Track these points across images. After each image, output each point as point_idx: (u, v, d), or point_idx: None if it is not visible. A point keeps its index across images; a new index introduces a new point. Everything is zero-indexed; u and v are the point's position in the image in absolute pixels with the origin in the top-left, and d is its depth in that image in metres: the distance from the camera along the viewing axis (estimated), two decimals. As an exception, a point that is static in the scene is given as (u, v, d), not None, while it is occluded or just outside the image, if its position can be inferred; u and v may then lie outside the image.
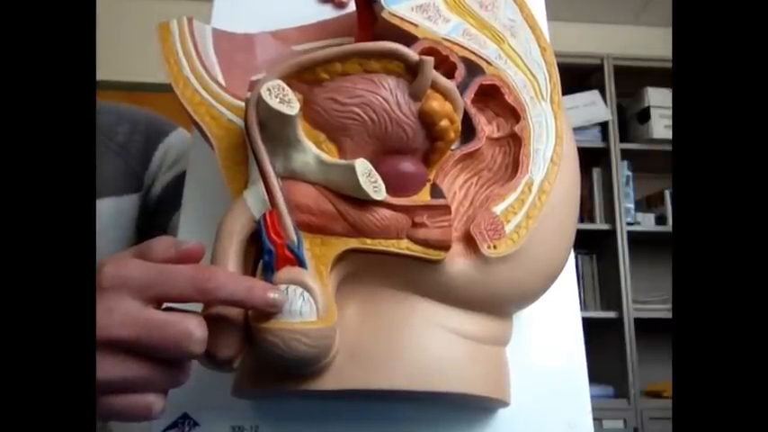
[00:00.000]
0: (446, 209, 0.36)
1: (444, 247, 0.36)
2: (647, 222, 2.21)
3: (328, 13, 0.53)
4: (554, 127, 0.41)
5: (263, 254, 0.35)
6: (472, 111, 0.40)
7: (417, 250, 0.36)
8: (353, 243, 0.36)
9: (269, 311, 0.33)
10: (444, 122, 0.36)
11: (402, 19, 0.41)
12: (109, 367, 0.30)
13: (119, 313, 0.30)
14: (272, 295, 0.32)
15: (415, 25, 0.41)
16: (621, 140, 2.22)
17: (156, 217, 0.63)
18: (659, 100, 2.24)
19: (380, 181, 0.35)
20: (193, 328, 0.30)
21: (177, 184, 0.56)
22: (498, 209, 0.38)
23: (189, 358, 0.32)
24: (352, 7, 0.50)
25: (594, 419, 0.44)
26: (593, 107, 2.19)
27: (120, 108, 0.67)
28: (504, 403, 0.41)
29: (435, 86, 0.36)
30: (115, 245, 0.60)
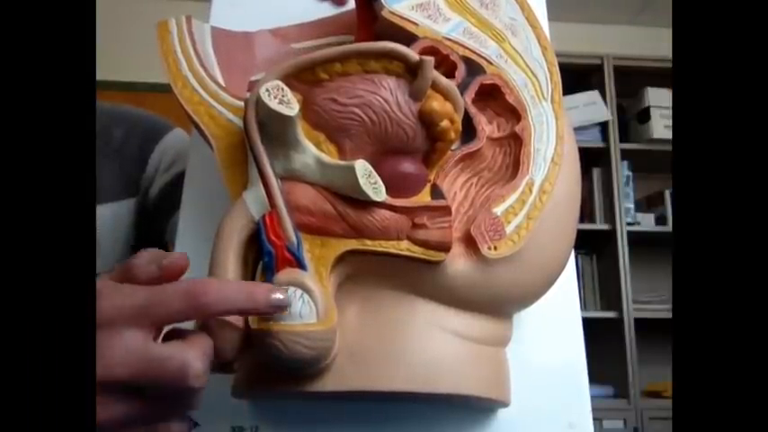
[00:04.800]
0: (446, 210, 0.36)
1: (445, 248, 0.36)
2: (647, 222, 2.21)
3: (327, 10, 0.53)
4: (555, 127, 0.41)
5: (262, 255, 0.35)
6: (473, 111, 0.40)
7: (417, 251, 0.36)
8: (353, 244, 0.35)
9: (269, 313, 0.32)
10: (445, 123, 0.36)
11: (402, 18, 0.41)
12: (114, 408, 0.29)
13: (119, 350, 0.29)
14: (276, 296, 0.32)
15: (416, 24, 0.41)
16: (621, 140, 2.22)
17: (154, 220, 0.63)
18: (659, 100, 2.24)
19: (380, 182, 0.35)
20: (191, 362, 0.29)
21: (175, 186, 0.56)
22: (499, 209, 0.38)
23: (189, 392, 0.31)
24: (351, 5, 0.50)
25: (594, 419, 0.44)
26: (593, 107, 2.19)
27: (115, 109, 0.66)
28: (505, 404, 0.41)
29: (436, 87, 0.36)
30: (114, 251, 0.60)
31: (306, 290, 0.33)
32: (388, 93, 0.36)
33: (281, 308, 0.32)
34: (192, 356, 0.30)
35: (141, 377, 0.29)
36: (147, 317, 0.30)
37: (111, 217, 0.60)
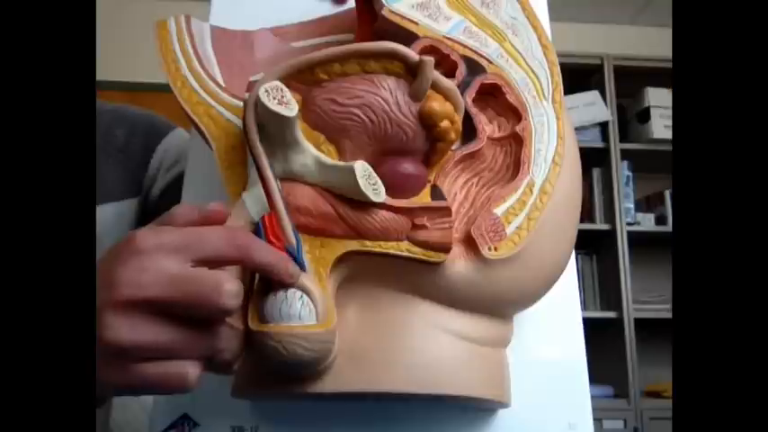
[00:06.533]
0: (446, 210, 0.36)
1: (445, 248, 0.36)
2: (647, 222, 2.21)
3: (327, 10, 0.53)
4: (556, 127, 0.41)
5: (262, 255, 0.35)
6: (473, 111, 0.40)
7: (417, 252, 0.36)
8: (353, 245, 0.35)
9: (288, 282, 0.33)
10: (445, 123, 0.36)
11: (402, 17, 0.41)
12: (142, 330, 0.29)
13: (153, 272, 0.29)
14: (293, 269, 0.33)
15: (416, 23, 0.41)
16: (621, 140, 2.22)
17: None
18: (659, 100, 2.24)
19: (380, 183, 0.35)
20: (225, 281, 0.30)
21: (177, 186, 0.56)
22: (499, 210, 0.38)
23: (222, 313, 0.30)
24: (351, 4, 0.50)
25: (594, 419, 0.44)
26: (593, 107, 2.19)
27: (117, 109, 0.66)
28: (505, 404, 0.40)
29: (436, 87, 0.36)
30: None
31: (305, 291, 0.33)
32: (388, 93, 0.35)
33: (294, 278, 0.33)
34: (226, 277, 0.30)
35: (174, 296, 0.29)
36: (188, 252, 0.30)
37: (114, 216, 0.60)
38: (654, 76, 2.25)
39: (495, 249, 0.37)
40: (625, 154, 2.21)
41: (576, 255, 0.47)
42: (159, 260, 0.30)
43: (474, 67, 0.41)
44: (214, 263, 0.31)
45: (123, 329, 0.29)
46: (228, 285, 0.30)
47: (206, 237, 0.31)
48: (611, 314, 2.09)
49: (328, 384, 0.36)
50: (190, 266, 0.30)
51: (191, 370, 0.30)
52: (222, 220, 0.33)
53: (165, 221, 0.33)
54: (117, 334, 0.29)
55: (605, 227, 2.16)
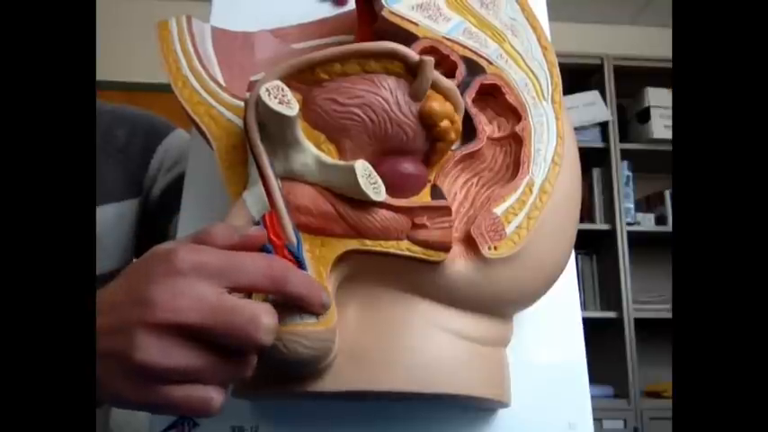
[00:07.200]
0: (447, 210, 0.36)
1: (445, 248, 0.36)
2: (647, 222, 2.21)
3: (328, 11, 0.53)
4: (555, 127, 0.41)
5: (262, 255, 0.35)
6: (473, 111, 0.40)
7: (417, 251, 0.36)
8: (353, 244, 0.35)
9: (319, 312, 0.33)
10: (445, 123, 0.36)
11: (402, 18, 0.41)
12: (174, 354, 0.29)
13: (191, 297, 0.29)
14: (326, 298, 0.33)
15: (416, 24, 0.41)
16: (621, 140, 2.22)
17: (156, 220, 0.63)
18: (659, 100, 2.24)
19: (380, 182, 0.35)
20: (263, 315, 0.29)
21: (177, 187, 0.56)
22: (499, 210, 0.38)
23: (256, 348, 0.30)
24: (352, 5, 0.50)
25: (594, 419, 0.44)
26: (593, 107, 2.19)
27: (117, 110, 0.66)
28: (505, 404, 0.41)
29: (436, 87, 0.36)
30: (117, 251, 0.60)
31: (306, 290, 0.33)
32: (388, 93, 0.36)
33: (325, 308, 0.33)
34: (264, 310, 0.30)
35: (212, 324, 0.29)
36: (226, 278, 0.30)
37: (115, 217, 0.60)
38: (654, 76, 2.25)
39: (495, 249, 0.37)
40: (625, 154, 2.21)
41: (576, 255, 0.47)
42: (196, 285, 0.29)
43: (474, 68, 0.41)
44: (249, 290, 0.31)
45: (155, 352, 0.28)
46: (266, 320, 0.30)
47: (245, 265, 0.30)
48: (611, 314, 2.09)
49: (328, 384, 0.36)
50: (225, 292, 0.30)
51: (215, 395, 0.30)
52: (261, 245, 0.33)
53: (201, 240, 0.32)
54: (149, 356, 0.28)
55: (605, 227, 2.16)
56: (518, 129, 0.40)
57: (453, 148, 0.39)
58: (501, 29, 0.43)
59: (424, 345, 0.37)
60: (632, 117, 2.33)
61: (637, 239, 2.15)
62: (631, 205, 2.22)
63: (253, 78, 0.42)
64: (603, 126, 2.21)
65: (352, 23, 0.48)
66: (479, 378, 0.38)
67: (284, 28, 0.49)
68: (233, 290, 0.30)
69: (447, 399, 0.39)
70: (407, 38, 0.40)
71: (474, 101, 0.41)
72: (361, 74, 0.36)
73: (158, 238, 0.62)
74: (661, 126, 2.22)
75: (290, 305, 0.32)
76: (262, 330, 0.29)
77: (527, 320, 0.44)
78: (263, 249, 0.35)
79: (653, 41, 2.48)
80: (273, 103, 0.34)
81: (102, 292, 0.31)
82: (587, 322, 0.46)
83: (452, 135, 0.37)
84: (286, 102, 0.34)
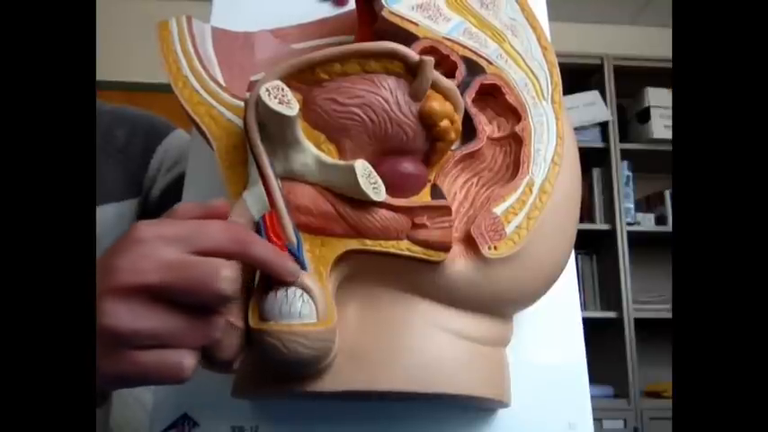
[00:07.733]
0: (446, 210, 0.36)
1: (445, 248, 0.36)
2: (646, 222, 2.21)
3: (328, 11, 0.53)
4: (555, 127, 0.41)
5: (262, 255, 0.35)
6: (473, 111, 0.40)
7: (417, 251, 0.36)
8: (353, 244, 0.35)
9: (287, 279, 0.33)
10: (445, 123, 0.36)
11: (402, 18, 0.41)
12: (140, 317, 0.29)
13: (152, 259, 0.29)
14: (293, 267, 0.33)
15: (416, 24, 0.41)
16: (621, 140, 2.22)
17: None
18: (659, 100, 2.24)
19: (380, 182, 0.35)
20: (221, 266, 0.30)
21: (177, 187, 0.56)
22: (499, 209, 0.38)
23: (219, 299, 0.30)
24: (352, 5, 0.50)
25: (594, 419, 0.44)
26: (593, 107, 2.19)
27: (117, 110, 0.66)
28: (504, 404, 0.41)
29: (436, 87, 0.36)
30: None
31: (306, 289, 0.33)
32: (388, 93, 0.36)
33: (293, 276, 0.33)
34: (224, 264, 0.30)
35: (172, 281, 0.29)
36: (187, 242, 0.30)
37: (115, 217, 0.60)
38: (654, 76, 2.25)
39: (495, 248, 0.37)
40: (625, 154, 2.21)
41: (576, 255, 0.47)
42: (159, 248, 0.30)
43: (474, 68, 0.41)
44: (212, 255, 0.31)
45: (122, 315, 0.29)
46: (226, 271, 0.30)
47: (206, 229, 0.31)
48: (611, 314, 2.09)
49: (328, 383, 0.36)
50: (189, 256, 0.30)
51: (186, 359, 0.30)
52: (224, 216, 0.34)
53: (167, 216, 0.33)
54: (116, 320, 0.29)
55: (605, 227, 2.16)
56: (518, 129, 0.40)
57: (453, 147, 0.39)
58: (501, 29, 0.43)
59: (424, 345, 0.37)
60: (632, 117, 2.33)
61: (637, 239, 2.15)
62: (631, 205, 2.22)
63: (253, 78, 0.42)
64: (603, 126, 2.21)
65: (352, 23, 0.48)
66: (479, 378, 0.38)
67: (284, 28, 0.49)
68: (197, 254, 0.31)
69: (447, 399, 0.39)
70: (407, 38, 0.40)
71: (474, 101, 0.41)
72: (361, 74, 0.36)
73: None
74: (661, 126, 2.22)
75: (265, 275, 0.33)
76: (222, 281, 0.29)
77: (527, 320, 0.44)
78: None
79: (653, 41, 2.48)
80: (273, 103, 0.34)
81: None
82: (587, 322, 0.46)
83: (452, 135, 0.37)
84: (286, 102, 0.34)
